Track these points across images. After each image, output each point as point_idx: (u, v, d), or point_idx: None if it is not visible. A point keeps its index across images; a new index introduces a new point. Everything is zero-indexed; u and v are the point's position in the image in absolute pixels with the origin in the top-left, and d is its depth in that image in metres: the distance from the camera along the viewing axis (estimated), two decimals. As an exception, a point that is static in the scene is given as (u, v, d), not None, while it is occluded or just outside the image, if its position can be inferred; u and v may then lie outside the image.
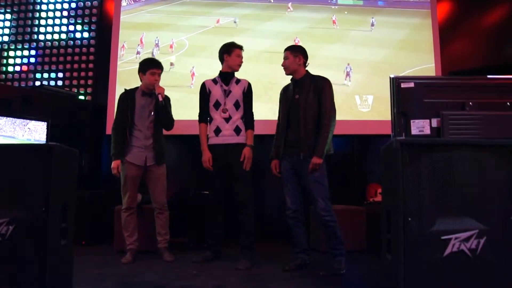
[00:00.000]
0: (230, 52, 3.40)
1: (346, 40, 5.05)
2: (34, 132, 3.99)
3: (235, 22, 5.16)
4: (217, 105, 3.36)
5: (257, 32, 5.11)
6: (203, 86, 3.46)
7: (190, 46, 5.04)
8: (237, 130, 3.35)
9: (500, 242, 1.64)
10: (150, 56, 4.73)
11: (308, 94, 3.08)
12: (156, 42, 5.01)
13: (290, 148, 3.11)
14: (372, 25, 5.05)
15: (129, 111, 3.42)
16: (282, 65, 3.20)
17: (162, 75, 3.52)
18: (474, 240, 1.62)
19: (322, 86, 3.08)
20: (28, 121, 3.96)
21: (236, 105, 3.36)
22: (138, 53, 4.95)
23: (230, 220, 3.49)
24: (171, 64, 4.92)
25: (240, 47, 3.44)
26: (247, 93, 3.42)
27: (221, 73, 3.46)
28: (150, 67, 3.41)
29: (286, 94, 3.25)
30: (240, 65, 3.44)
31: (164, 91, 3.37)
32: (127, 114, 3.41)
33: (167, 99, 3.52)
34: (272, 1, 5.20)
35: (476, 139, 1.92)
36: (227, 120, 3.33)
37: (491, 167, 1.68)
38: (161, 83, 3.46)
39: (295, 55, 3.16)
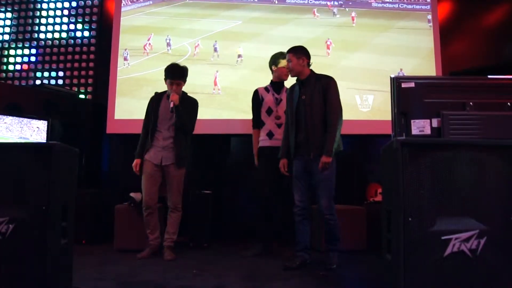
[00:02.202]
0: (277, 64, 3.65)
1: (367, 47, 4.90)
2: (43, 131, 3.99)
3: (342, 5, 4.96)
4: (269, 111, 3.63)
5: (268, 37, 4.94)
6: (256, 93, 3.72)
7: (193, 53, 4.93)
8: None
9: (501, 242, 1.64)
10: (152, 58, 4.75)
11: (313, 93, 3.12)
12: (168, 41, 4.96)
13: (301, 148, 3.15)
14: (430, 21, 4.97)
15: (153, 113, 3.57)
16: (286, 68, 3.23)
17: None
18: (475, 241, 1.62)
19: (327, 85, 3.12)
20: (36, 120, 3.95)
21: (286, 113, 3.53)
22: (126, 59, 4.89)
23: (228, 220, 3.51)
24: (239, 56, 4.84)
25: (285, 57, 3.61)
26: None
27: (272, 82, 3.71)
28: (168, 76, 3.55)
29: (292, 95, 3.28)
30: (288, 74, 3.57)
31: (176, 99, 3.44)
32: (152, 116, 3.57)
33: (191, 103, 3.63)
34: (276, 2, 5.08)
35: (476, 139, 1.92)
36: (279, 125, 3.57)
37: (491, 167, 1.68)
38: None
39: (298, 57, 3.19)
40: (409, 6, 5.06)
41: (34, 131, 3.91)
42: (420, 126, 2.05)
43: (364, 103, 4.70)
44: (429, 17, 4.97)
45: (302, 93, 3.17)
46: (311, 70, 3.24)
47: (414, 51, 4.90)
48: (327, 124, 3.06)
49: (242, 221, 3.61)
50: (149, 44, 4.95)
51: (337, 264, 3.07)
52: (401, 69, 4.78)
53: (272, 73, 3.71)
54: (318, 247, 3.78)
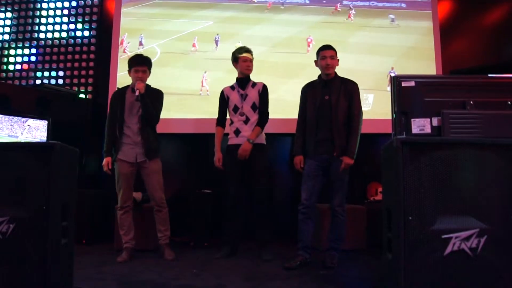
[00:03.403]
0: (237, 60, 3.59)
1: (348, 46, 4.83)
2: (34, 130, 3.96)
3: (283, 5, 4.94)
4: (235, 109, 3.57)
5: (242, 38, 4.87)
6: (222, 93, 3.68)
7: (162, 55, 4.88)
8: None
9: (501, 241, 1.64)
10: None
11: (339, 96, 3.16)
12: (140, 40, 4.95)
13: (322, 147, 3.18)
14: (393, 20, 4.96)
15: (119, 108, 3.46)
16: (330, 63, 3.19)
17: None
18: (475, 239, 1.62)
19: (352, 90, 3.20)
20: (26, 118, 3.91)
21: (253, 107, 3.55)
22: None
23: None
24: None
25: (246, 51, 3.58)
26: (262, 94, 3.59)
27: (237, 79, 3.66)
28: (133, 65, 3.46)
29: (313, 93, 3.29)
30: (248, 69, 3.59)
31: (142, 87, 3.35)
32: (117, 111, 3.46)
33: (156, 94, 3.55)
34: (255, 1, 5.01)
35: (477, 138, 1.91)
36: (246, 122, 3.52)
37: (492, 166, 1.67)
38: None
39: (337, 57, 3.25)
40: (410, 5, 5.05)
41: (25, 129, 3.87)
42: (421, 125, 2.05)
43: (365, 102, 4.69)
44: (430, 17, 4.95)
45: (325, 93, 3.21)
46: (335, 72, 3.28)
47: (415, 51, 4.88)
48: (350, 126, 3.13)
49: (242, 220, 3.62)
50: (123, 44, 4.97)
51: (337, 264, 3.09)
52: (392, 68, 4.77)
53: (236, 69, 3.64)
54: (319, 246, 3.78)
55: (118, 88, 3.61)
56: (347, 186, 3.19)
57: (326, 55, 3.19)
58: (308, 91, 3.33)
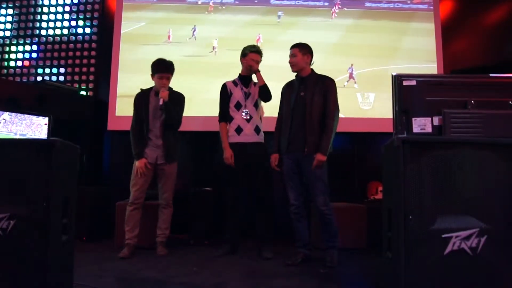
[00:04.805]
0: (245, 56, 3.55)
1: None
2: (10, 124, 3.82)
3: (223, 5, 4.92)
4: (238, 106, 3.53)
5: (174, 38, 4.88)
6: (224, 87, 3.63)
7: None
8: (257, 130, 3.54)
9: (501, 241, 1.64)
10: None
11: (314, 92, 3.14)
12: None
13: (294, 144, 3.16)
14: (279, 17, 4.92)
15: (144, 111, 3.51)
16: (290, 62, 3.23)
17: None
18: (475, 239, 1.62)
19: (328, 86, 3.16)
20: (2, 112, 3.78)
21: (256, 106, 3.55)
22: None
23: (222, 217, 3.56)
24: (214, 47, 4.79)
25: (256, 51, 3.54)
26: None
27: (240, 75, 3.63)
28: (157, 71, 3.48)
29: (290, 91, 3.29)
30: (255, 67, 3.54)
31: (166, 95, 3.40)
32: (142, 114, 3.50)
33: (180, 98, 3.60)
34: (199, 2, 4.98)
35: (477, 137, 1.91)
36: (248, 120, 3.50)
37: (492, 165, 1.67)
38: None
39: (304, 53, 3.22)
40: (412, 6, 5.03)
41: (0, 123, 3.81)
42: (421, 124, 2.05)
43: (366, 101, 4.69)
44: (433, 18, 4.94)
45: (301, 90, 3.19)
46: (312, 69, 3.27)
47: (416, 50, 4.87)
48: (324, 124, 3.09)
49: (242, 219, 3.63)
50: None
51: (337, 262, 3.09)
52: (352, 65, 4.74)
53: (242, 65, 3.63)
54: (318, 245, 3.78)
55: (141, 89, 3.63)
56: (327, 182, 3.12)
57: (289, 54, 3.23)
58: (286, 89, 3.35)
